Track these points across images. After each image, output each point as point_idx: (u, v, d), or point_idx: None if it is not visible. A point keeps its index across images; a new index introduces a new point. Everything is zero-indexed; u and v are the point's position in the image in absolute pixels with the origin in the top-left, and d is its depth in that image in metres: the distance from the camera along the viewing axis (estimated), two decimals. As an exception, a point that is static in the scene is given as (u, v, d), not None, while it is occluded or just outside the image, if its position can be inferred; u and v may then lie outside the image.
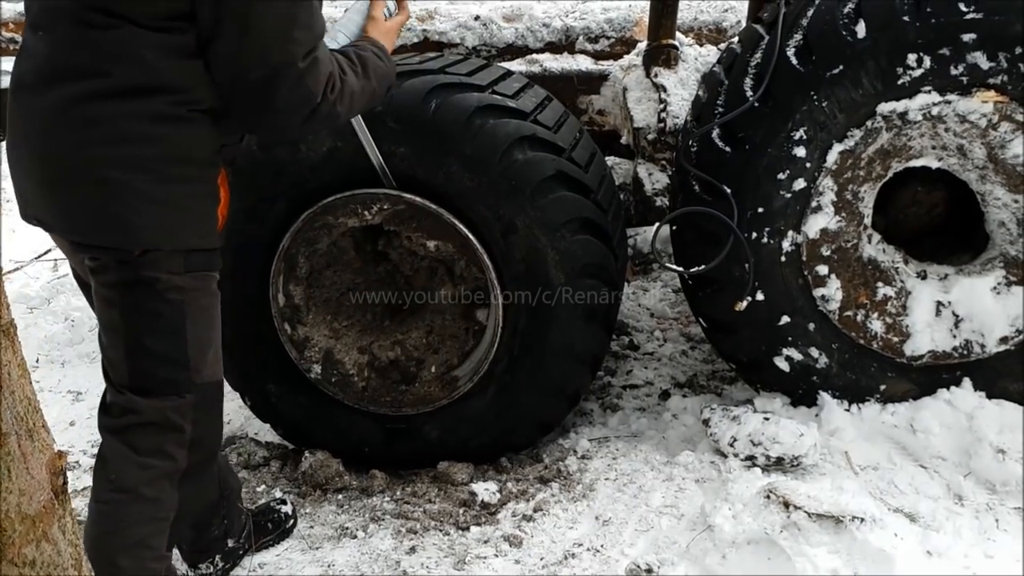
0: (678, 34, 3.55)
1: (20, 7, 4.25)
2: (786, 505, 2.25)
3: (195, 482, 2.05)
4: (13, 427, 1.21)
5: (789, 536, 2.21)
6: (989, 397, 2.77)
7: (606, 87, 3.66)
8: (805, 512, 2.22)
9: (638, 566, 2.39)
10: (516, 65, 3.72)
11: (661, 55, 3.44)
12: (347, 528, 2.76)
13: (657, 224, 2.85)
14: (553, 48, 3.77)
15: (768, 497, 2.30)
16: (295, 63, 1.78)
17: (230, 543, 2.52)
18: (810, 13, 2.60)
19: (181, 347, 1.87)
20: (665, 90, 3.38)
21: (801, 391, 2.90)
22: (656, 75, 3.43)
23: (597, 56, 3.76)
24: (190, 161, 1.80)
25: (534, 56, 3.72)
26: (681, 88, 3.38)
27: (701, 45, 3.63)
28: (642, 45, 3.54)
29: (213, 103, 1.82)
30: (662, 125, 3.38)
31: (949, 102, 2.55)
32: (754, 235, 2.73)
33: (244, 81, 1.79)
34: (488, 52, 3.78)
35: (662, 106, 3.38)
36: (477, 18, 3.75)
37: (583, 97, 3.69)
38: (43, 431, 1.25)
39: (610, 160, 3.67)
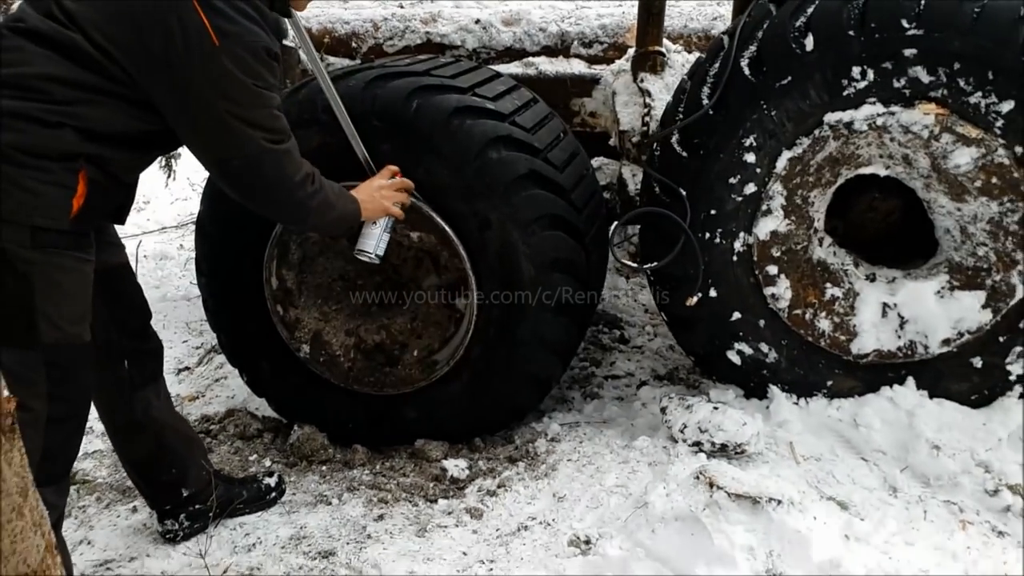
0: (667, 41, 3.72)
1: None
2: (711, 485, 2.44)
3: (61, 430, 2.28)
4: (-31, 374, 1.47)
5: (711, 514, 2.40)
6: (931, 396, 2.92)
7: (597, 90, 3.85)
8: (726, 492, 2.41)
9: (579, 537, 2.61)
10: (514, 67, 3.93)
11: (648, 61, 3.62)
12: (325, 496, 3.02)
13: (615, 223, 3.05)
14: (549, 52, 3.97)
15: (698, 478, 2.50)
16: (260, 148, 2.24)
17: (197, 506, 2.80)
18: (765, 26, 2.78)
19: (27, 310, 2.13)
20: (650, 95, 3.57)
21: (752, 384, 3.08)
22: (642, 80, 3.62)
23: (591, 60, 3.95)
24: (46, 156, 2.09)
25: (531, 59, 3.93)
26: (666, 93, 3.56)
27: (690, 52, 3.81)
28: (632, 51, 3.72)
29: (97, 126, 2.15)
30: (645, 128, 3.56)
31: (893, 113, 2.71)
32: (708, 235, 2.92)
33: (212, 163, 2.30)
34: (487, 54, 4.00)
35: (646, 110, 3.57)
36: (477, 22, 3.98)
37: (576, 99, 3.89)
38: (-4, 378, 1.51)
39: (599, 160, 3.87)
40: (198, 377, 4.04)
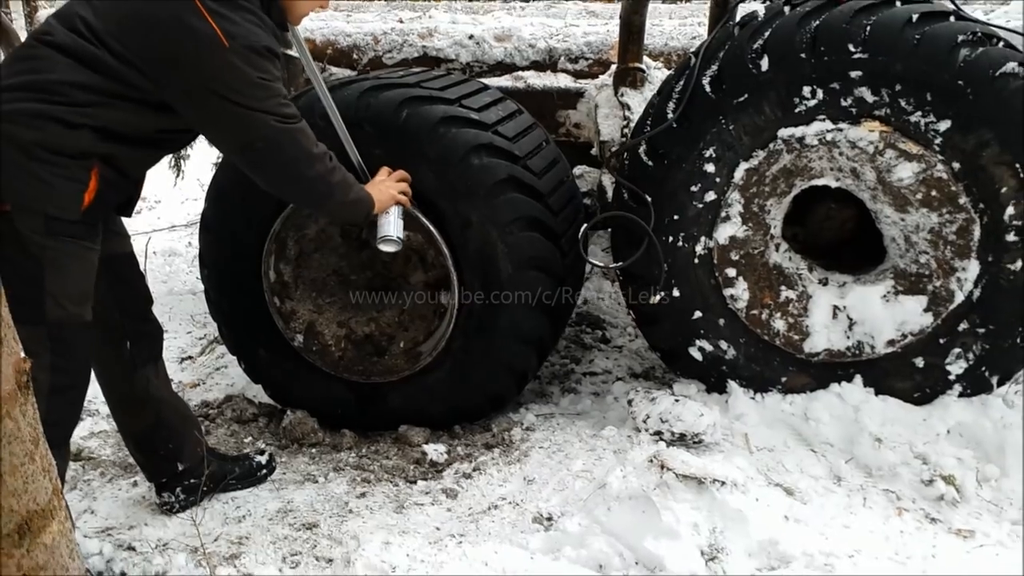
0: (647, 58, 3.97)
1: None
2: (662, 467, 2.68)
3: (63, 399, 2.51)
4: (-10, 335, 1.72)
5: (660, 493, 2.63)
6: (876, 393, 3.15)
7: (582, 103, 4.11)
8: (675, 473, 2.64)
9: (542, 515, 2.85)
10: (504, 80, 4.19)
11: (628, 76, 3.87)
12: (312, 475, 3.26)
13: (584, 226, 3.29)
14: (538, 66, 4.23)
15: (651, 461, 2.73)
16: (275, 128, 2.49)
17: (192, 480, 3.04)
18: (726, 47, 3.02)
19: (37, 290, 2.38)
20: (629, 108, 3.81)
21: (713, 379, 3.32)
22: (623, 94, 3.86)
23: (577, 75, 4.21)
24: (63, 153, 2.35)
25: (520, 73, 4.19)
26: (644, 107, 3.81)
27: (669, 68, 4.05)
28: (614, 67, 3.97)
29: (113, 127, 2.41)
30: (624, 139, 3.80)
31: (841, 129, 2.95)
32: (671, 239, 3.16)
33: (234, 151, 2.60)
34: (480, 68, 4.26)
35: (626, 122, 3.81)
36: (471, 37, 4.24)
37: (562, 111, 4.15)
38: (12, 340, 1.76)
39: (581, 168, 4.12)
40: (200, 366, 4.30)
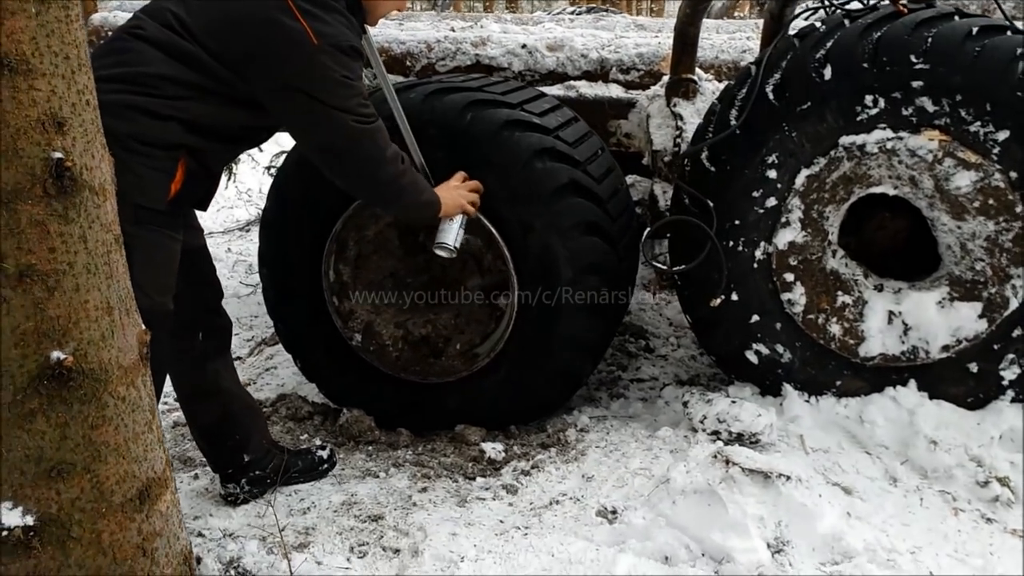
0: (699, 70, 4.12)
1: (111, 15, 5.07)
2: (727, 463, 2.80)
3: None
4: (117, 304, 1.87)
5: (726, 487, 2.75)
6: (931, 397, 3.28)
7: (633, 113, 4.25)
8: (740, 468, 2.76)
9: (605, 508, 2.97)
10: (556, 90, 4.33)
11: (681, 87, 4.02)
12: (372, 471, 3.38)
13: (647, 229, 3.43)
14: (589, 76, 4.38)
15: (715, 457, 2.85)
16: (354, 129, 2.65)
17: (256, 472, 3.17)
18: (789, 57, 3.17)
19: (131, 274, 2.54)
20: (682, 118, 3.96)
21: (768, 382, 3.45)
22: (675, 105, 4.02)
23: (627, 86, 4.35)
24: (154, 144, 2.49)
25: (572, 83, 4.34)
26: (696, 117, 3.94)
27: (720, 80, 4.21)
28: (666, 78, 4.12)
29: (200, 120, 2.56)
30: (676, 149, 3.96)
31: (901, 138, 3.10)
32: (731, 243, 3.31)
33: (315, 148, 2.74)
34: (532, 77, 4.41)
35: (678, 132, 3.96)
36: (524, 46, 4.39)
37: (613, 121, 4.29)
38: (135, 312, 1.91)
39: (632, 178, 4.26)
40: (249, 367, 4.43)
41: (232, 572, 2.77)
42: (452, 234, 3.10)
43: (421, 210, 3.01)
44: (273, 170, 6.35)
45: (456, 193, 3.10)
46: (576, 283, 3.32)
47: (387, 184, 2.82)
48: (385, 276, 3.72)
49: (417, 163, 3.19)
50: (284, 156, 3.90)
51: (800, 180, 3.22)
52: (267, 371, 4.36)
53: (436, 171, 3.21)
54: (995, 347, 3.20)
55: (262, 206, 4.08)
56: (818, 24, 3.24)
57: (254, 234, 6.67)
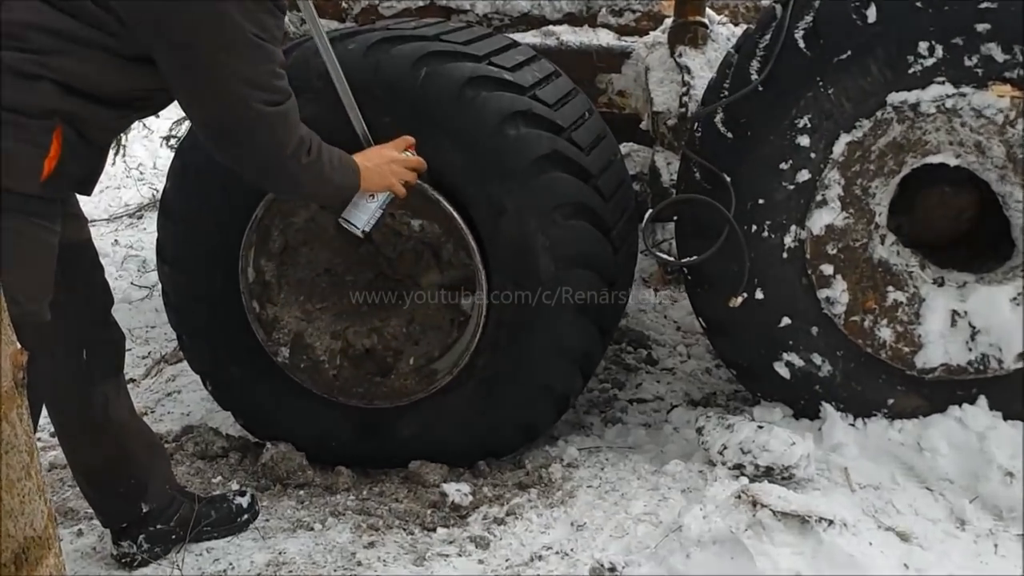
0: (710, 11, 4.13)
1: None
2: (754, 504, 2.80)
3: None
4: (-16, 325, 1.82)
5: (754, 535, 2.75)
6: (1005, 418, 3.30)
7: (628, 65, 4.24)
8: (771, 511, 2.76)
9: (602, 565, 2.96)
10: (531, 37, 4.31)
11: (687, 33, 4.02)
12: (304, 521, 3.36)
13: (649, 211, 3.43)
14: (573, 20, 4.36)
15: (739, 497, 2.85)
16: (257, 111, 2.59)
17: (158, 526, 3.13)
18: (823, -6, 3.18)
19: None
20: (689, 72, 3.97)
21: (803, 401, 3.47)
22: (681, 55, 4.02)
23: (620, 31, 4.35)
24: (21, 111, 2.43)
25: (551, 28, 4.32)
26: (708, 70, 3.94)
27: (736, 24, 4.21)
28: (669, 21, 4.12)
29: (78, 81, 2.50)
30: (683, 110, 3.95)
31: (964, 95, 3.12)
32: (754, 228, 3.32)
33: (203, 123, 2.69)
34: (500, 21, 4.39)
35: (684, 89, 3.96)
36: (490, -18, 4.38)
37: (602, 75, 4.28)
38: (8, 330, 1.86)
39: (628, 147, 4.26)
40: (146, 391, 4.39)
41: (129, 655, 2.74)
42: (366, 214, 3.09)
43: (330, 199, 3.05)
44: (174, 141, 6.28)
45: (387, 168, 3.06)
46: (560, 279, 3.31)
47: (285, 179, 2.81)
48: (319, 273, 3.69)
49: (359, 132, 3.16)
50: (188, 123, 3.85)
51: (839, 148, 3.22)
52: (168, 396, 4.33)
53: (382, 141, 3.16)
54: (1085, 355, 3.23)
55: (160, 186, 4.03)
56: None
57: (150, 221, 6.57)
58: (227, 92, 2.57)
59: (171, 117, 6.00)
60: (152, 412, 4.20)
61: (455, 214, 3.27)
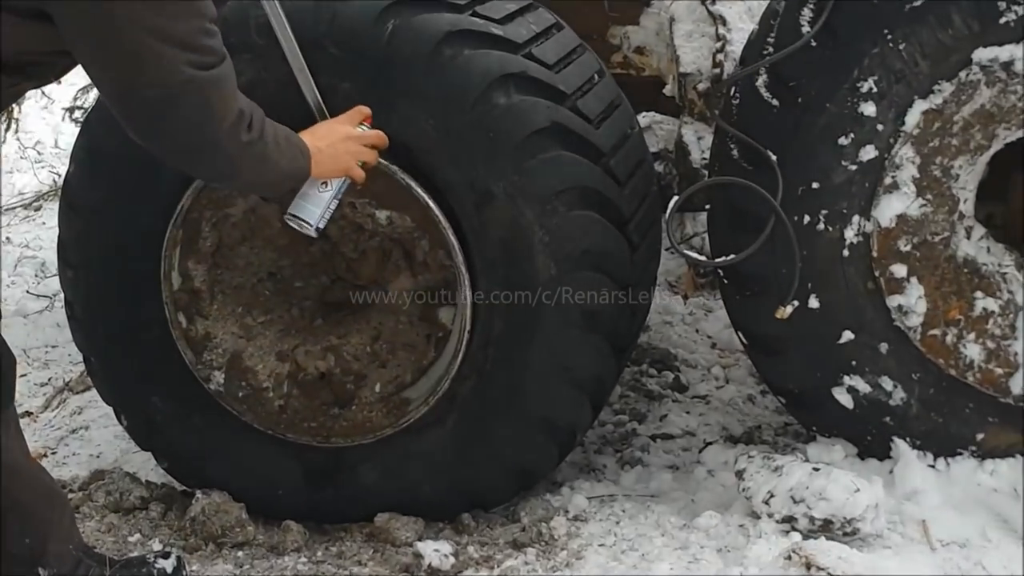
0: (750, -55, 4.11)
1: None
2: (808, 567, 2.78)
3: None
4: None
5: (808, 606, 2.74)
6: None
7: (648, 16, 4.22)
8: (828, 574, 2.74)
9: (616, 645, 2.94)
10: (525, -20, 4.29)
11: (723, -27, 4.01)
12: (244, 590, 3.34)
13: (674, 198, 3.40)
14: (577, -42, 4.35)
15: (789, 559, 2.84)
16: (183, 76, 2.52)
17: None
18: (891, -75, 3.16)
19: None
20: (725, 22, 3.93)
21: (870, 437, 3.45)
22: (714, 1, 3.99)
23: (638, -29, 4.34)
24: None
25: (549, -31, 4.30)
26: (748, 21, 3.91)
27: (784, -38, 4.20)
28: (698, -41, 4.11)
29: None
30: (718, 71, 3.92)
31: (1070, 51, 3.10)
32: (807, 219, 3.30)
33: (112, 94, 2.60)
34: (486, -38, 4.37)
35: (719, 44, 3.92)
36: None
37: (616, 28, 4.26)
38: None
39: (648, 117, 4.23)
40: (45, 426, 4.37)
41: None
42: (319, 207, 3.06)
43: (273, 188, 3.00)
44: (80, 114, 6.24)
45: (342, 148, 3.04)
46: (562, 283, 3.29)
47: (218, 162, 2.75)
48: (261, 279, 3.68)
49: (310, 101, 3.13)
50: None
51: (913, 118, 3.20)
52: (73, 433, 4.31)
53: (339, 111, 3.14)
54: None
55: (62, 170, 4.00)
56: None
57: (49, 214, 6.53)
58: (142, 53, 2.52)
59: (76, 83, 5.97)
60: (53, 453, 4.18)
61: (431, 203, 3.25)
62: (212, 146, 2.69)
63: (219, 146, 2.69)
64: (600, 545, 3.41)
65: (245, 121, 2.70)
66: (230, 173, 2.81)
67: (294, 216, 3.06)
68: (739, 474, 3.43)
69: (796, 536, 3.15)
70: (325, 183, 3.04)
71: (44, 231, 6.31)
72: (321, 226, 3.08)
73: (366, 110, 3.11)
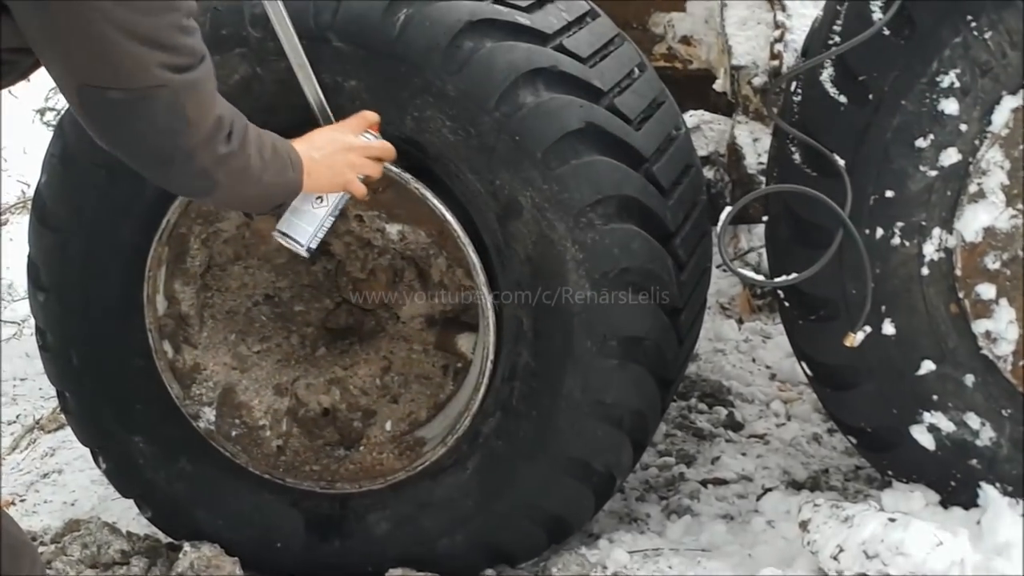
0: (813, -77, 4.09)
1: None
2: (884, 634, 2.74)
3: None
4: None
5: None
6: None
7: (695, 1, 4.20)
8: (908, 642, 2.70)
9: None
10: (556, -38, 4.29)
11: (782, -45, 3.99)
12: (238, 661, 3.32)
13: (727, 209, 3.36)
14: (615, -63, 4.34)
15: (862, 625, 2.79)
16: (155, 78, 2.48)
17: None
18: (976, -103, 3.13)
19: None
20: (784, 8, 3.91)
21: (954, 482, 3.40)
22: (772, -14, 3.98)
23: (684, -49, 4.33)
24: None
25: (582, -52, 4.30)
26: (811, 6, 3.90)
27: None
28: (754, -64, 4.09)
29: None
30: (776, 63, 3.90)
31: None
32: (880, 232, 3.25)
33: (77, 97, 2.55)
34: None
35: (778, 33, 3.91)
36: None
37: (659, 16, 4.24)
38: None
39: (696, 116, 4.21)
40: (13, 470, 4.37)
41: None
42: (312, 224, 3.06)
43: (257, 205, 2.97)
44: (52, 116, 6.24)
45: (341, 159, 3.02)
46: (598, 305, 3.26)
47: (200, 173, 2.69)
48: (256, 302, 3.68)
49: (312, 102, 3.13)
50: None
51: (1001, 117, 3.16)
52: (45, 478, 4.32)
53: (345, 113, 3.14)
54: None
55: (32, 179, 4.00)
56: None
57: (17, 229, 6.57)
58: (108, 51, 2.49)
59: (48, 82, 6.00)
60: (22, 501, 4.19)
61: (448, 216, 3.23)
62: (184, 157, 2.63)
63: (192, 157, 2.63)
64: (644, 607, 3.38)
65: (224, 130, 2.66)
66: (205, 188, 2.75)
67: (283, 233, 3.06)
68: (803, 525, 3.39)
69: (871, 600, 3.13)
70: (320, 198, 3.04)
71: (11, 248, 6.31)
72: (313, 246, 3.07)
73: (373, 116, 3.09)
